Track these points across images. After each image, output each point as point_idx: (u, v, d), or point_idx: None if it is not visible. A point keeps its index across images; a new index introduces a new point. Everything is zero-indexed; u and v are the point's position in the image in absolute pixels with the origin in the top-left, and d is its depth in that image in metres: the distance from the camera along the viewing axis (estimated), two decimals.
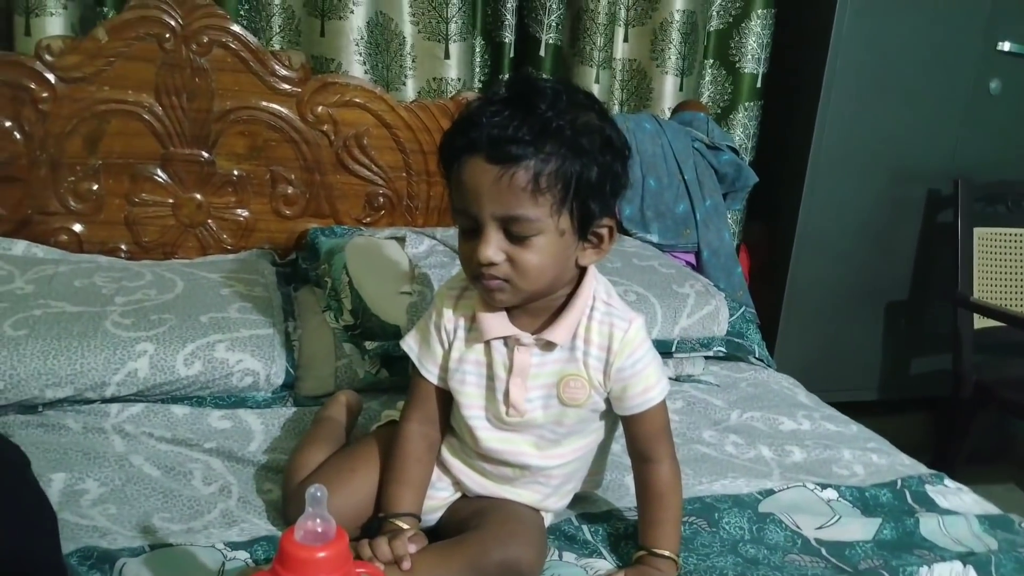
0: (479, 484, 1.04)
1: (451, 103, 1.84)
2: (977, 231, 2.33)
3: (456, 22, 1.99)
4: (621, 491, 1.16)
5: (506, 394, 0.98)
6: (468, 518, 1.00)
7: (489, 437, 1.01)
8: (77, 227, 1.68)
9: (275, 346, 1.39)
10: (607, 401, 1.01)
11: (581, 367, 0.98)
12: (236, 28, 1.67)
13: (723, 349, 1.60)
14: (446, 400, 1.04)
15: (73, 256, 1.61)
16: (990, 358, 2.39)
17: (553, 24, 2.11)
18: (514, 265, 0.90)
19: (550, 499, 1.05)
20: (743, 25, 2.26)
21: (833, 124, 2.24)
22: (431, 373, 1.03)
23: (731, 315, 1.62)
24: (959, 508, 1.18)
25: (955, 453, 2.32)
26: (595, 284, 0.99)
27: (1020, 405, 2.21)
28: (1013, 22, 2.31)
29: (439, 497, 1.05)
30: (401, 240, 1.62)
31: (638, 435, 1.00)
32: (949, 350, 2.40)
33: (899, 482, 1.22)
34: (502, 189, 0.87)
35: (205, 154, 1.71)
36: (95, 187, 1.67)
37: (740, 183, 1.96)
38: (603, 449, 1.08)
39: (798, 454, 1.32)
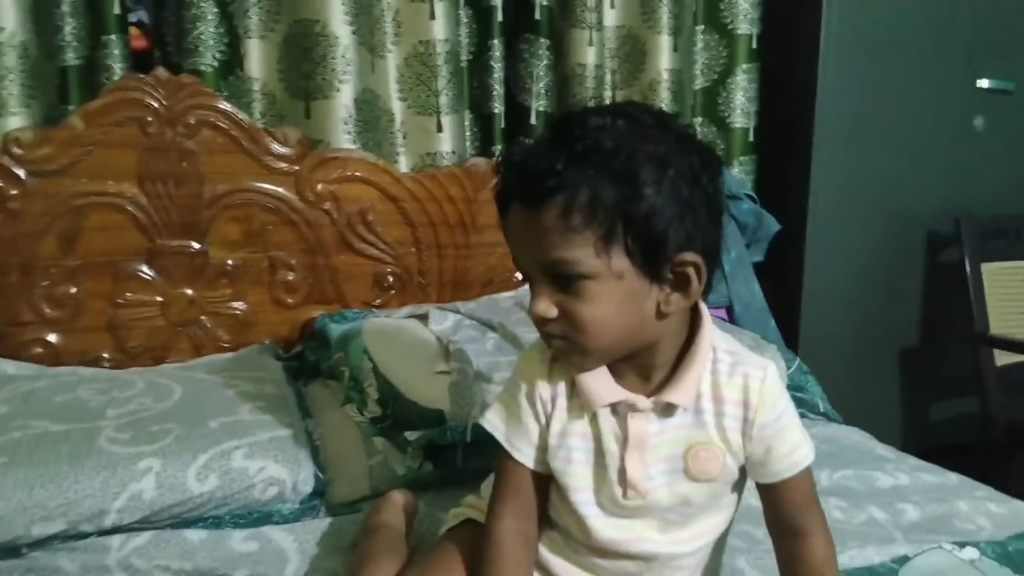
0: None
1: (459, 170, 1.72)
2: (985, 266, 2.28)
3: (446, 94, 1.90)
4: None
5: (621, 472, 0.82)
6: None
7: (604, 525, 0.83)
8: (53, 337, 1.48)
9: (300, 448, 1.20)
10: (741, 470, 0.85)
11: (712, 432, 0.82)
12: (226, 106, 1.54)
13: None
14: (541, 485, 0.87)
15: (50, 370, 1.41)
16: (1016, 396, 2.30)
17: (541, 91, 2.05)
18: (568, 319, 0.76)
19: None
20: (729, 81, 2.24)
21: (828, 173, 2.19)
22: (525, 455, 0.86)
23: (788, 367, 1.50)
24: None
25: None
26: (711, 332, 0.85)
27: None
28: (989, 59, 2.33)
29: None
30: (423, 318, 1.46)
31: (786, 505, 0.84)
32: (968, 393, 2.32)
33: None
34: (534, 233, 0.74)
35: (196, 244, 1.55)
36: (73, 290, 1.48)
37: (762, 232, 1.87)
38: (727, 532, 0.91)
39: (912, 512, 1.17)
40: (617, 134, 0.74)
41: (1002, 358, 2.24)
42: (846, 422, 2.18)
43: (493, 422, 0.88)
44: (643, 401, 0.81)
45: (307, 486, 1.18)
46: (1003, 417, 2.18)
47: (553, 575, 0.88)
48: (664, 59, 2.11)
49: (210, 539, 1.10)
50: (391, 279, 1.68)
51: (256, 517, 1.15)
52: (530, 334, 1.43)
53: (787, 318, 2.23)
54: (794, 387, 1.51)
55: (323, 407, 1.39)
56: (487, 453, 1.26)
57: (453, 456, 1.20)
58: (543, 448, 0.85)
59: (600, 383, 0.82)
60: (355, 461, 1.25)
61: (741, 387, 0.82)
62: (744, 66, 2.22)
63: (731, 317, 1.81)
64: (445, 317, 1.45)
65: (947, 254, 2.37)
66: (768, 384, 0.82)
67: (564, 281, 0.75)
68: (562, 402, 0.84)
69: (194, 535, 1.10)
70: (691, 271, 0.76)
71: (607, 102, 2.13)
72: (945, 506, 1.18)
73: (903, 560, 1.01)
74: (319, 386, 1.47)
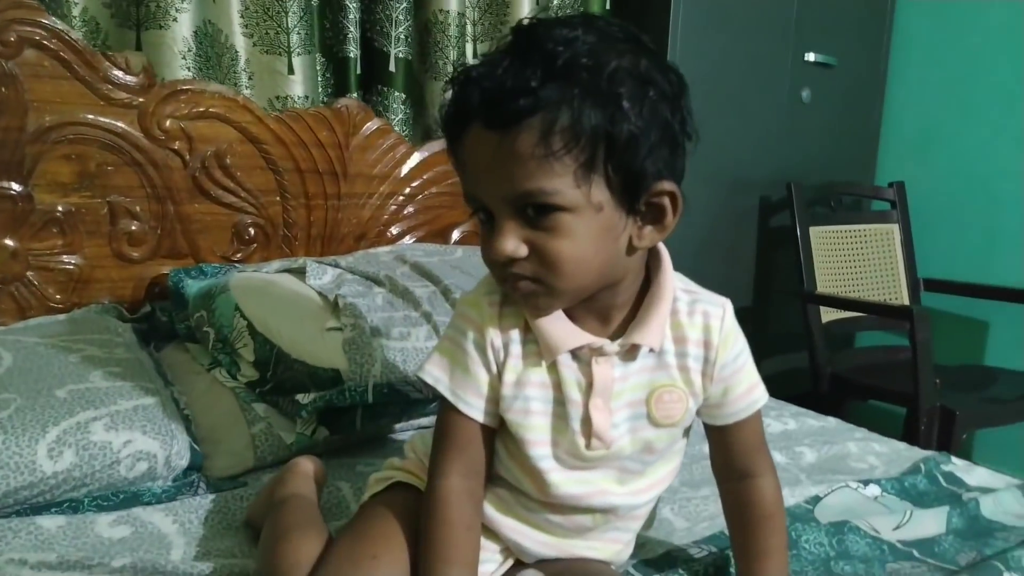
0: (542, 543, 0.80)
1: (329, 112, 1.57)
2: (812, 230, 2.44)
3: (298, 33, 1.73)
4: (665, 526, 0.97)
5: (585, 421, 0.75)
6: None
7: (563, 480, 0.77)
8: None
9: (170, 417, 1.04)
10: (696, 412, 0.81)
11: (675, 373, 0.78)
12: (55, 23, 1.29)
13: None
14: (489, 440, 0.79)
15: None
16: (839, 350, 2.50)
17: (401, 37, 1.93)
18: (541, 258, 0.68)
19: (628, 548, 0.83)
20: None
21: None
22: (474, 407, 0.77)
23: None
24: (985, 482, 1.13)
25: None
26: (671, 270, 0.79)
27: (880, 389, 2.31)
28: (815, 33, 2.47)
29: (483, 572, 0.79)
30: (298, 272, 1.32)
31: (738, 446, 0.81)
32: (795, 349, 2.48)
33: (921, 467, 1.15)
34: (505, 160, 0.65)
35: (17, 186, 1.30)
36: None
37: None
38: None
39: (809, 454, 1.20)
40: (592, 48, 0.66)
41: (827, 315, 2.41)
42: None
43: (435, 374, 0.79)
44: (609, 344, 0.75)
45: (183, 460, 1.02)
46: (828, 369, 2.35)
47: (501, 535, 0.80)
48: (525, 9, 2.06)
49: (70, 526, 0.92)
50: (253, 231, 1.50)
51: (123, 498, 0.98)
52: (422, 288, 1.33)
53: None
54: None
55: (183, 373, 1.22)
56: (389, 415, 1.17)
57: (351, 420, 1.08)
58: (494, 400, 0.77)
59: (561, 327, 0.75)
60: (234, 431, 1.10)
61: (702, 326, 0.78)
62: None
63: None
64: (324, 271, 1.31)
65: (778, 218, 2.51)
66: (727, 322, 0.79)
67: (536, 215, 0.66)
68: (516, 349, 0.77)
69: (49, 522, 0.92)
70: (667, 201, 0.71)
71: (469, 53, 2.06)
72: (836, 447, 1.23)
73: (815, 500, 1.04)
74: (176, 350, 1.29)
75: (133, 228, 1.39)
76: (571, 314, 0.76)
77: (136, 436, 0.98)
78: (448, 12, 1.94)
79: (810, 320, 2.38)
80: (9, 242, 1.30)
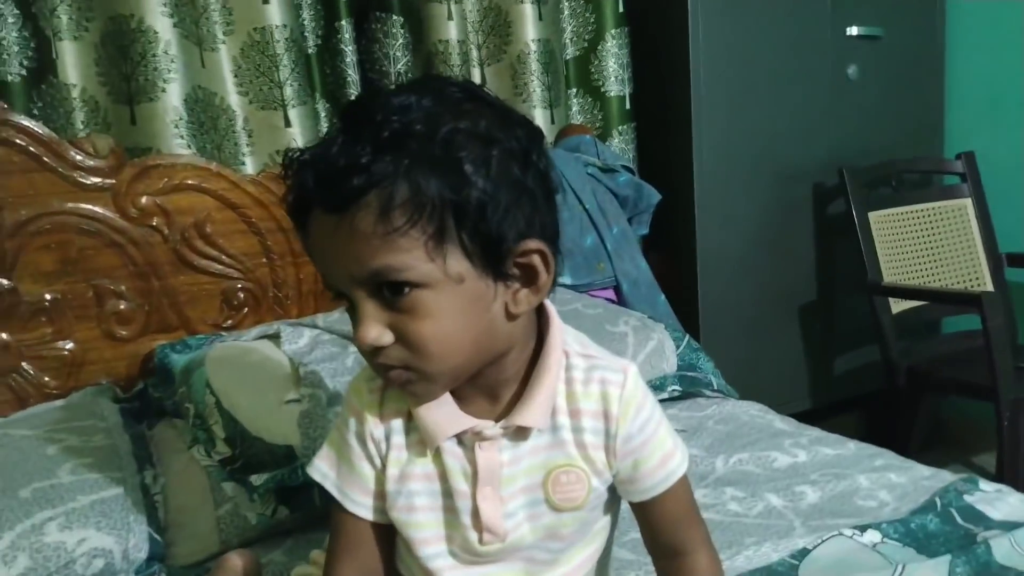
0: None
1: None
2: (871, 215, 2.27)
3: (291, 85, 1.73)
4: None
5: (475, 514, 0.70)
6: None
7: None
8: None
9: (129, 508, 1.04)
10: (611, 489, 0.74)
11: (573, 451, 0.70)
12: (20, 119, 1.33)
13: (678, 387, 1.37)
14: (385, 538, 0.74)
15: None
16: (913, 342, 2.31)
17: (401, 73, 1.91)
18: (406, 343, 0.62)
19: None
20: (599, 48, 2.16)
21: (710, 135, 2.13)
22: (361, 505, 0.73)
23: (677, 346, 1.40)
24: (1014, 515, 0.99)
25: (903, 446, 2.20)
26: (562, 334, 0.73)
27: (957, 382, 2.11)
28: (855, 5, 2.30)
29: None
30: (274, 338, 1.31)
31: (663, 523, 0.74)
32: (868, 342, 2.32)
33: (937, 502, 1.02)
34: (347, 242, 0.60)
35: (3, 280, 1.34)
36: None
37: (643, 204, 1.77)
38: (607, 553, 0.80)
39: (811, 494, 1.09)
40: (426, 113, 0.61)
41: (897, 305, 2.23)
42: (749, 388, 2.15)
43: (322, 469, 0.75)
44: (491, 427, 0.69)
45: (140, 552, 1.02)
46: (903, 363, 2.18)
47: None
48: (530, 29, 2.01)
49: None
50: (242, 296, 1.50)
51: None
52: None
53: (684, 287, 2.16)
54: (684, 366, 1.42)
55: (169, 451, 1.23)
56: None
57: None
58: (381, 495, 0.72)
59: (441, 412, 0.69)
60: (201, 513, 1.09)
61: (599, 396, 0.70)
62: (613, 31, 2.15)
63: (619, 297, 1.71)
64: (300, 334, 1.30)
65: (834, 206, 2.35)
66: (629, 390, 0.71)
67: (392, 295, 0.61)
68: (398, 439, 0.71)
69: None
70: (537, 260, 0.65)
71: (477, 79, 2.02)
72: (845, 483, 1.11)
73: (803, 553, 0.93)
74: (166, 427, 1.30)
75: (121, 307, 1.42)
76: (458, 394, 0.70)
77: (91, 534, 0.99)
78: (448, 41, 1.91)
79: (879, 312, 2.21)
80: (1, 335, 1.34)
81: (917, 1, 2.43)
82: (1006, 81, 2.40)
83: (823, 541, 0.94)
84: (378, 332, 0.62)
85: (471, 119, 0.62)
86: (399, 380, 0.65)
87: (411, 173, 0.59)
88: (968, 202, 2.36)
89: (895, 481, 1.11)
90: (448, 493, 0.70)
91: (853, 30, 2.30)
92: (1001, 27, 2.38)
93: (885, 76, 2.38)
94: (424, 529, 0.71)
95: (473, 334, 0.64)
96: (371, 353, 0.64)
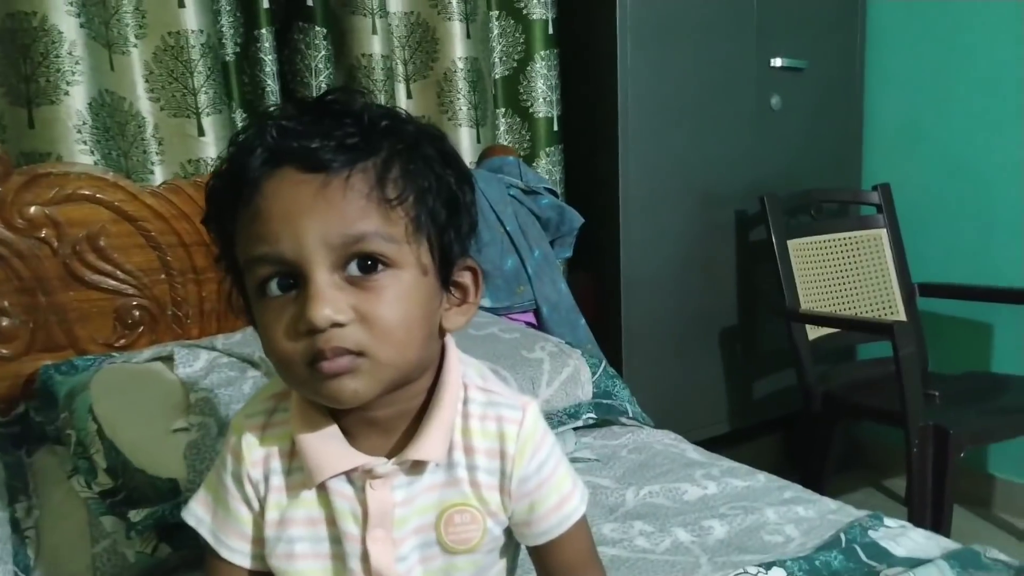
0: None
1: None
2: (790, 243, 2.30)
3: (206, 92, 1.67)
4: None
5: (364, 558, 0.65)
6: None
7: None
8: None
9: None
10: (507, 532, 0.70)
11: (467, 491, 0.67)
12: None
13: (594, 415, 1.34)
14: None
15: None
16: (829, 368, 2.35)
17: (323, 85, 1.87)
18: (369, 324, 0.57)
19: None
20: (528, 68, 2.16)
21: (635, 159, 2.13)
22: (238, 552, 0.67)
23: (593, 373, 1.38)
24: (917, 552, 0.99)
25: (818, 469, 2.24)
26: (460, 366, 0.69)
27: (870, 408, 2.15)
28: (779, 37, 2.34)
29: None
30: (167, 360, 1.23)
31: (560, 569, 0.70)
32: (786, 366, 2.35)
33: (842, 538, 1.01)
34: (333, 200, 0.57)
35: None
36: None
37: (565, 227, 1.75)
38: None
39: (719, 528, 1.07)
40: (398, 117, 0.63)
41: (814, 331, 2.27)
42: (669, 410, 2.16)
43: (197, 513, 0.69)
44: (383, 464, 0.65)
45: None
46: (819, 388, 2.21)
47: None
48: (458, 47, 1.99)
49: None
50: (137, 314, 1.41)
51: None
52: None
53: (607, 310, 2.16)
54: (600, 394, 1.40)
55: (47, 481, 1.14)
56: None
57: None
58: (260, 541, 0.67)
59: (330, 447, 0.64)
60: (77, 551, 1.01)
61: (496, 434, 0.67)
62: (542, 52, 2.16)
63: (539, 321, 1.69)
64: (196, 357, 1.22)
65: (756, 232, 2.38)
66: (527, 429, 0.67)
67: (363, 272, 0.58)
68: (278, 480, 0.66)
69: None
70: (470, 279, 0.66)
71: (400, 95, 1.99)
72: (753, 517, 1.09)
73: None
74: (46, 454, 1.21)
75: (3, 324, 1.32)
76: (347, 430, 0.65)
77: None
78: (372, 56, 1.88)
79: (795, 338, 2.24)
80: None
81: (838, 34, 2.49)
82: (922, 115, 2.48)
83: None
84: (338, 307, 0.57)
85: (428, 136, 0.64)
86: (342, 368, 0.58)
87: (404, 156, 0.60)
88: (883, 232, 2.42)
89: (802, 515, 1.10)
90: (335, 538, 0.66)
91: (777, 61, 2.34)
92: (919, 62, 2.46)
93: (807, 107, 2.44)
94: None
95: (424, 332, 0.62)
96: (314, 336, 0.57)
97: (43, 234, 1.34)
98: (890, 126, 2.56)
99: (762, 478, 1.22)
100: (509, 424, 0.67)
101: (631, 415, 1.42)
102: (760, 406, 2.49)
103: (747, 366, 2.43)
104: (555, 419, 1.30)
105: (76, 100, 1.50)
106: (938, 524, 1.91)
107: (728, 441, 2.30)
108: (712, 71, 2.22)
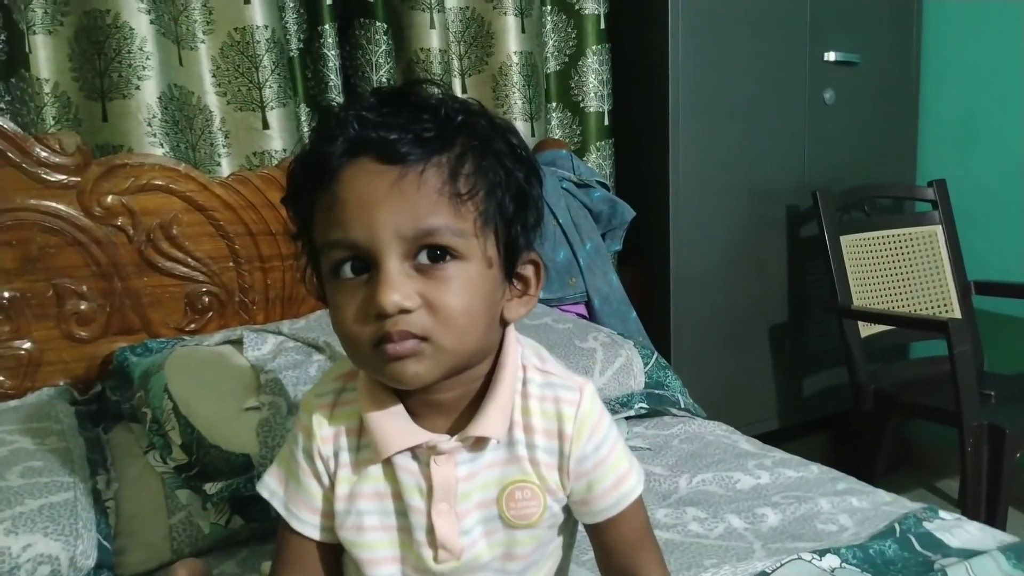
0: None
1: (277, 171, 1.54)
2: (843, 239, 2.29)
3: (271, 87, 1.72)
4: None
5: (429, 531, 0.68)
6: None
7: None
8: None
9: (78, 514, 1.01)
10: (566, 509, 0.73)
11: (527, 468, 0.69)
12: None
13: (645, 405, 1.36)
14: (331, 557, 0.73)
15: None
16: (881, 365, 2.33)
17: (383, 80, 1.90)
18: (434, 311, 0.60)
19: None
20: (580, 63, 2.17)
21: (686, 153, 2.14)
22: (308, 524, 0.71)
23: (645, 364, 1.40)
24: (972, 544, 0.99)
25: (868, 468, 2.22)
26: (519, 348, 0.72)
27: (922, 407, 2.13)
28: (832, 31, 2.32)
29: None
30: (237, 343, 1.28)
31: (617, 546, 0.73)
32: (837, 364, 2.33)
33: (896, 528, 1.02)
34: (407, 193, 0.60)
35: None
36: None
37: (617, 220, 1.77)
38: (563, 574, 0.79)
39: (772, 516, 1.08)
40: (474, 111, 0.65)
41: (866, 329, 2.25)
42: (718, 406, 2.16)
43: (270, 485, 0.73)
44: (446, 441, 0.68)
45: (89, 560, 0.99)
46: (871, 386, 2.19)
47: None
48: (513, 41, 2.02)
49: None
50: (207, 300, 1.47)
51: None
52: None
53: (656, 304, 2.17)
54: (652, 384, 1.41)
55: (124, 456, 1.20)
56: None
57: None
58: (329, 514, 0.71)
59: (395, 424, 0.68)
60: (153, 521, 1.07)
61: (554, 415, 0.69)
62: (594, 47, 2.16)
63: (590, 312, 1.71)
64: (264, 340, 1.27)
65: (807, 228, 2.36)
66: (584, 409, 0.70)
67: (432, 261, 0.61)
68: (347, 456, 0.70)
69: None
70: (531, 272, 0.68)
71: (456, 89, 2.02)
72: (806, 506, 1.10)
73: None
74: (122, 431, 1.27)
75: (81, 308, 1.39)
76: (411, 409, 0.69)
77: (37, 539, 0.96)
78: (430, 50, 1.91)
79: (847, 335, 2.23)
80: None
81: (894, 28, 2.46)
82: (979, 110, 2.44)
83: (782, 565, 0.94)
84: (406, 293, 0.60)
85: (501, 130, 0.67)
86: (405, 352, 0.61)
87: (477, 151, 0.63)
88: (938, 229, 2.38)
89: (856, 506, 1.11)
90: (401, 511, 0.69)
91: (831, 55, 2.32)
92: (976, 56, 2.42)
93: (860, 102, 2.41)
94: (374, 549, 0.69)
95: (486, 322, 0.65)
96: (382, 321, 0.60)
97: (119, 222, 1.40)
98: (946, 121, 2.52)
99: (815, 469, 1.23)
100: (567, 405, 0.69)
101: (683, 406, 1.43)
102: (809, 403, 2.47)
103: (797, 363, 2.42)
104: (607, 408, 1.32)
105: (147, 94, 1.56)
106: (992, 525, 1.88)
107: (777, 438, 2.28)
108: (764, 65, 2.21)
